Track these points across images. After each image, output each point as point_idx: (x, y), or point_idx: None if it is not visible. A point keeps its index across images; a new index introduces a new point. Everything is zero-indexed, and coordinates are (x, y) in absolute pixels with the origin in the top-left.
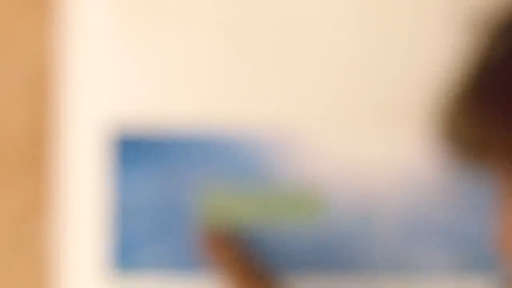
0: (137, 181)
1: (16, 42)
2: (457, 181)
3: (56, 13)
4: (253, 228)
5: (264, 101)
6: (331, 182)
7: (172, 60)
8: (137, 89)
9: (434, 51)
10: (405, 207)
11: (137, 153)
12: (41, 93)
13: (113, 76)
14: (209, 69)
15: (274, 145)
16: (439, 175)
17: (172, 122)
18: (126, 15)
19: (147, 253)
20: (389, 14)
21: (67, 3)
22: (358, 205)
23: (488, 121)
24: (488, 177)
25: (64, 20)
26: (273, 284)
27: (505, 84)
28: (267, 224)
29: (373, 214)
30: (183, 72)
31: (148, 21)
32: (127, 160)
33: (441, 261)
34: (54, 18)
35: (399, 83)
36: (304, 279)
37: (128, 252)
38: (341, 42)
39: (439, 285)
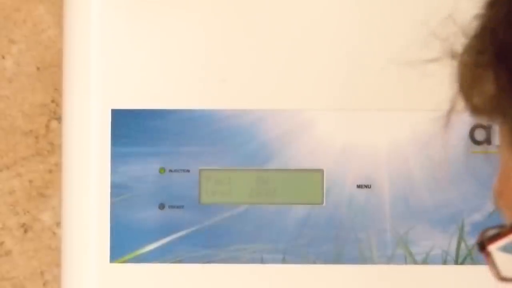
0: (141, 159)
1: (32, 26)
2: (469, 159)
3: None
4: (251, 208)
5: (268, 79)
6: (333, 164)
7: (174, 47)
8: (141, 72)
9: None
10: (411, 187)
11: (138, 134)
12: (54, 77)
13: (116, 58)
14: (210, 49)
15: (275, 125)
16: (447, 157)
17: (175, 102)
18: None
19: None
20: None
21: None
22: (363, 187)
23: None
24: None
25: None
26: None
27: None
28: (267, 205)
29: (377, 197)
30: (184, 54)
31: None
32: (128, 142)
33: (442, 239)
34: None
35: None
36: (305, 260)
37: (128, 236)
38: (346, 24)
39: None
